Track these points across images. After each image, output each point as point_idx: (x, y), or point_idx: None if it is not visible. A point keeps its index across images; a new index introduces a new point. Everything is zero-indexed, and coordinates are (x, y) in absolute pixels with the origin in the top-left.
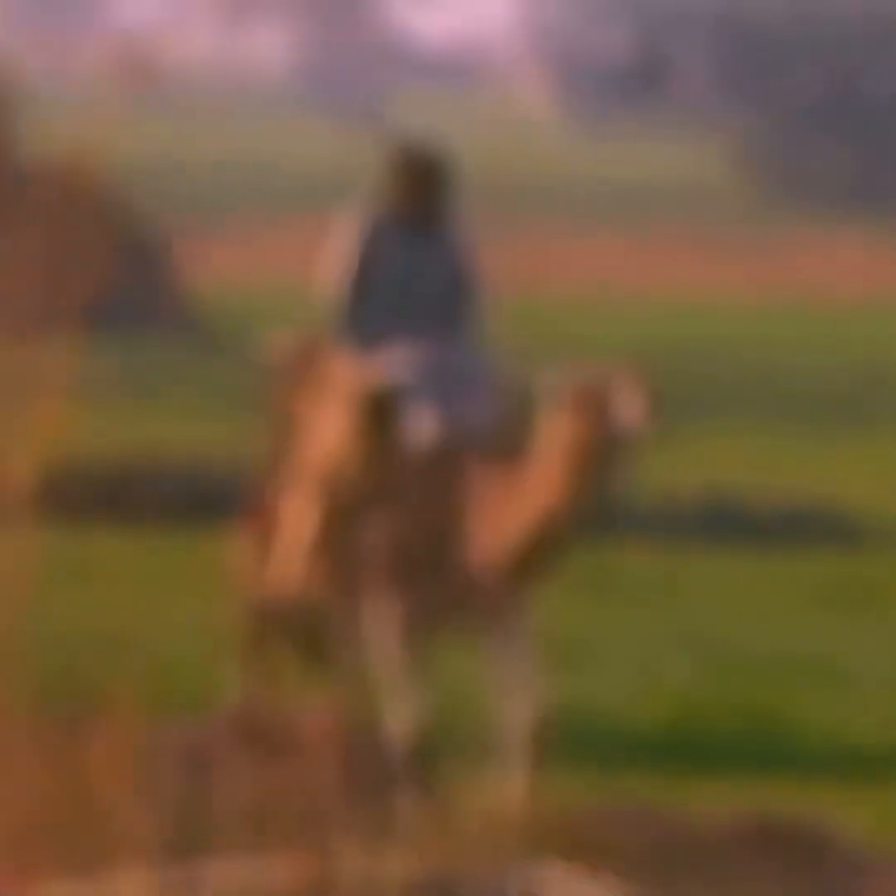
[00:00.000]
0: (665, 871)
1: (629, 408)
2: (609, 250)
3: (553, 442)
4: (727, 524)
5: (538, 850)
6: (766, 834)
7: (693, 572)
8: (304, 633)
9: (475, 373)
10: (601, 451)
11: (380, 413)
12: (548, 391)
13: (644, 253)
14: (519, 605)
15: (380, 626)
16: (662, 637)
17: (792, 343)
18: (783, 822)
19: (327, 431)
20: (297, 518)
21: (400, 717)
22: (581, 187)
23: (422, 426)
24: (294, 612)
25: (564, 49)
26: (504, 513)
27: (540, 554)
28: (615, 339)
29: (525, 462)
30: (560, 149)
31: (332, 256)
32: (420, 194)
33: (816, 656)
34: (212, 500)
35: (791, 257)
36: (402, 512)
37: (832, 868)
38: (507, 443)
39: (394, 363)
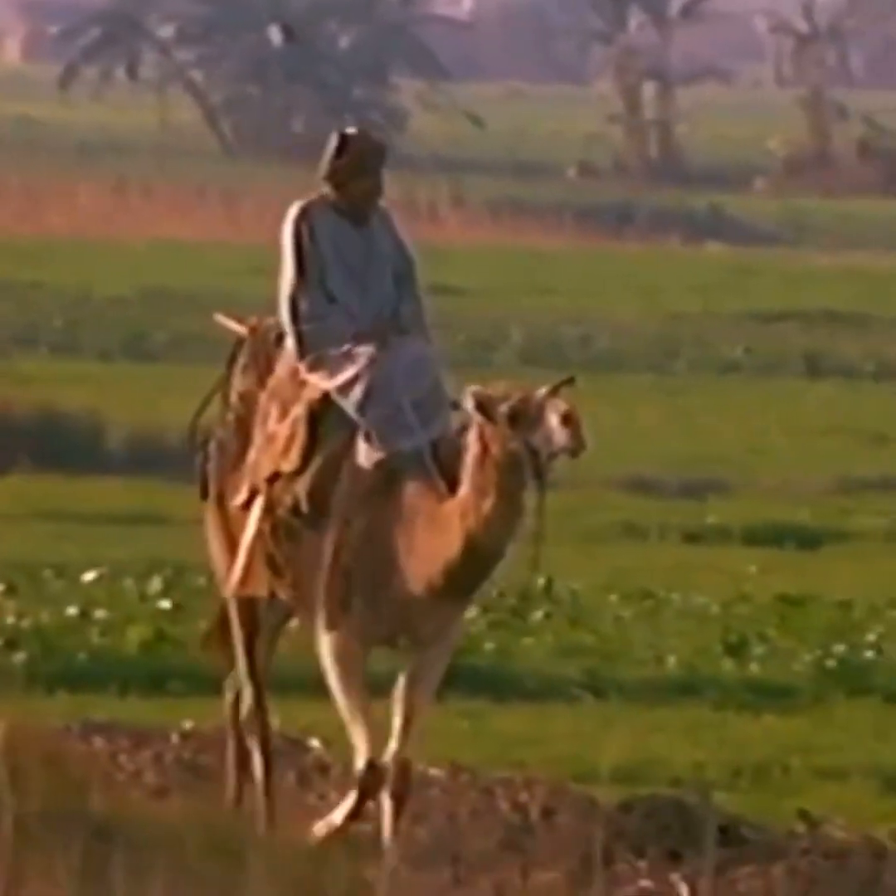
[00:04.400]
0: None
1: (561, 429)
2: (86, 198)
3: (478, 462)
4: None
5: None
6: None
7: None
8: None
9: (431, 374)
10: (527, 472)
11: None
12: (471, 406)
13: (119, 200)
14: (448, 629)
15: (322, 650)
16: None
17: (274, 285)
18: None
19: (276, 441)
20: (250, 522)
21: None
22: (55, 136)
23: (370, 448)
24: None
25: None
26: (434, 538)
27: (469, 580)
28: (95, 285)
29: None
30: (31, 96)
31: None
32: (366, 179)
33: None
34: None
35: (262, 202)
36: (345, 533)
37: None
38: (448, 458)
39: (358, 366)
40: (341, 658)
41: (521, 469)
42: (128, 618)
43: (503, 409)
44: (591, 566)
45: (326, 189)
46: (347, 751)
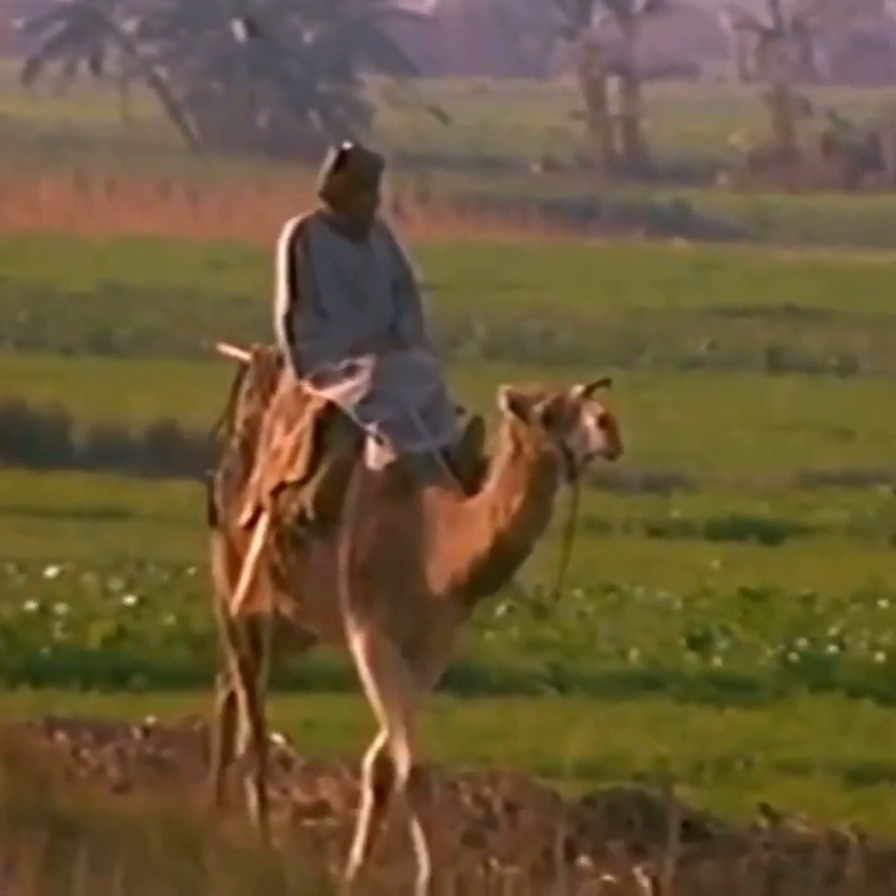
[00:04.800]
0: None
1: (598, 431)
2: (48, 193)
3: (511, 461)
4: (175, 452)
5: None
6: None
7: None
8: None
9: (434, 382)
10: (560, 474)
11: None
12: (505, 405)
13: (82, 195)
14: (451, 633)
15: (357, 655)
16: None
17: (240, 282)
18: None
19: (281, 454)
20: (256, 536)
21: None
22: (17, 130)
23: (381, 450)
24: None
25: None
26: (459, 537)
27: (494, 579)
28: (58, 281)
29: (483, 481)
30: None
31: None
32: (366, 194)
33: None
34: None
35: (228, 198)
36: (360, 535)
37: None
38: (463, 461)
39: (362, 376)
40: (374, 657)
41: (554, 470)
42: (90, 613)
43: (538, 409)
44: (556, 560)
45: (322, 204)
46: (309, 745)
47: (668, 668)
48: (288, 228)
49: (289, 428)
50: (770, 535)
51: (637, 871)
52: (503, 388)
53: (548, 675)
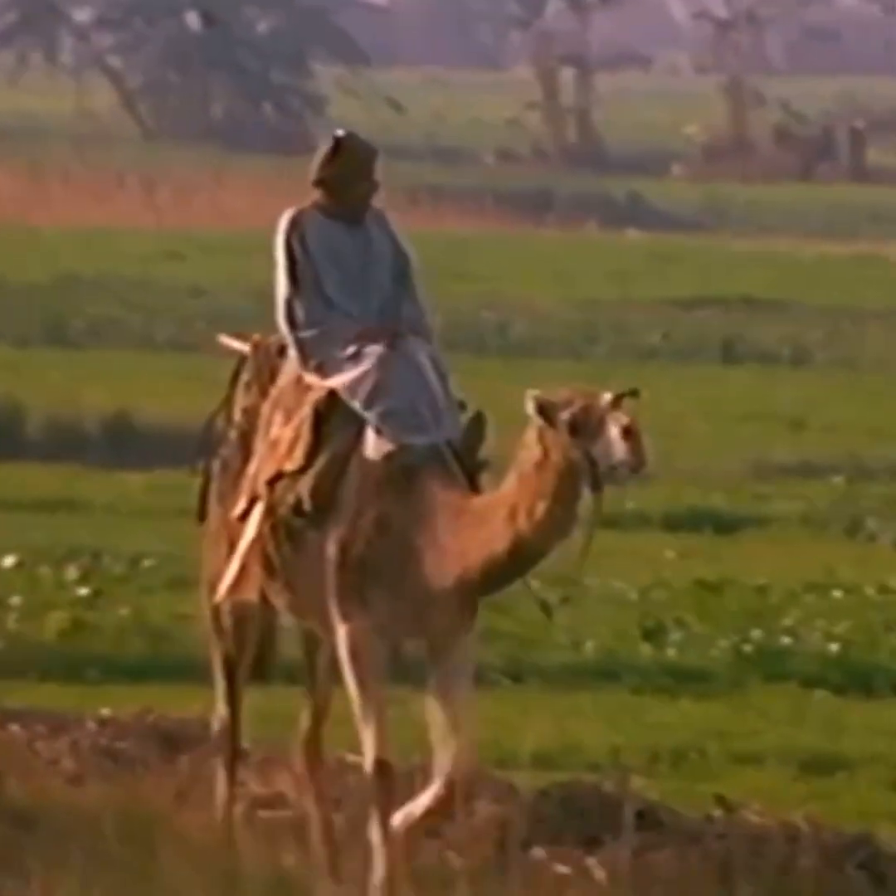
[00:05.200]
0: None
1: (621, 443)
2: (1, 184)
3: (536, 465)
4: (129, 443)
5: None
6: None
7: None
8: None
9: (438, 373)
10: (583, 483)
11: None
12: (533, 411)
13: (36, 186)
14: (468, 626)
15: (339, 645)
16: (63, 549)
17: (195, 272)
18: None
19: (279, 444)
20: (248, 526)
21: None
22: None
23: (380, 440)
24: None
25: None
26: (469, 534)
27: (505, 579)
28: (11, 272)
29: (499, 480)
30: None
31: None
32: (362, 182)
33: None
34: None
35: (182, 189)
36: (357, 526)
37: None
38: (463, 457)
39: (366, 365)
40: (357, 651)
41: (579, 478)
42: (45, 604)
43: (564, 416)
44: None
45: (316, 194)
46: (265, 737)
47: (624, 659)
48: (283, 220)
49: (288, 418)
50: (725, 526)
51: (592, 861)
52: (530, 393)
53: (503, 665)
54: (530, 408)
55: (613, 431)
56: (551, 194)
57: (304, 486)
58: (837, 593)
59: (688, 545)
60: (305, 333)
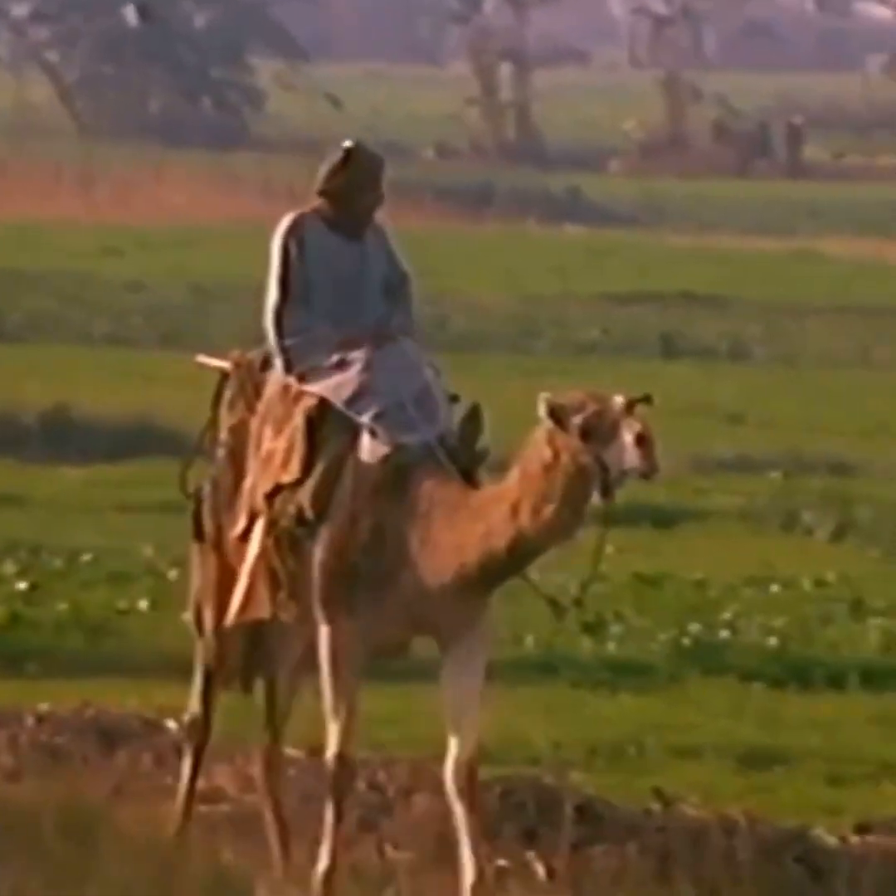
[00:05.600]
0: None
1: (634, 449)
2: None
3: (545, 467)
4: (68, 438)
5: None
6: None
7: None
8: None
9: (425, 370)
10: (593, 487)
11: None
12: (544, 413)
13: None
14: (475, 620)
15: (320, 644)
16: (1, 544)
17: (133, 267)
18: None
19: (273, 457)
20: (252, 544)
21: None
22: None
23: (375, 443)
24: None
25: None
26: (467, 528)
27: (503, 574)
28: None
29: (498, 479)
30: None
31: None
32: (369, 194)
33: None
34: None
35: (120, 184)
36: (352, 533)
37: None
38: (460, 450)
39: (353, 370)
40: (337, 654)
41: (589, 482)
42: None
43: (577, 420)
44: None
45: (319, 202)
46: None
47: (563, 654)
48: (283, 224)
49: (278, 431)
50: (663, 520)
51: (531, 855)
52: (542, 396)
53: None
54: (542, 410)
55: (627, 437)
56: (490, 190)
57: (305, 495)
58: (775, 587)
59: (626, 539)
60: (291, 341)
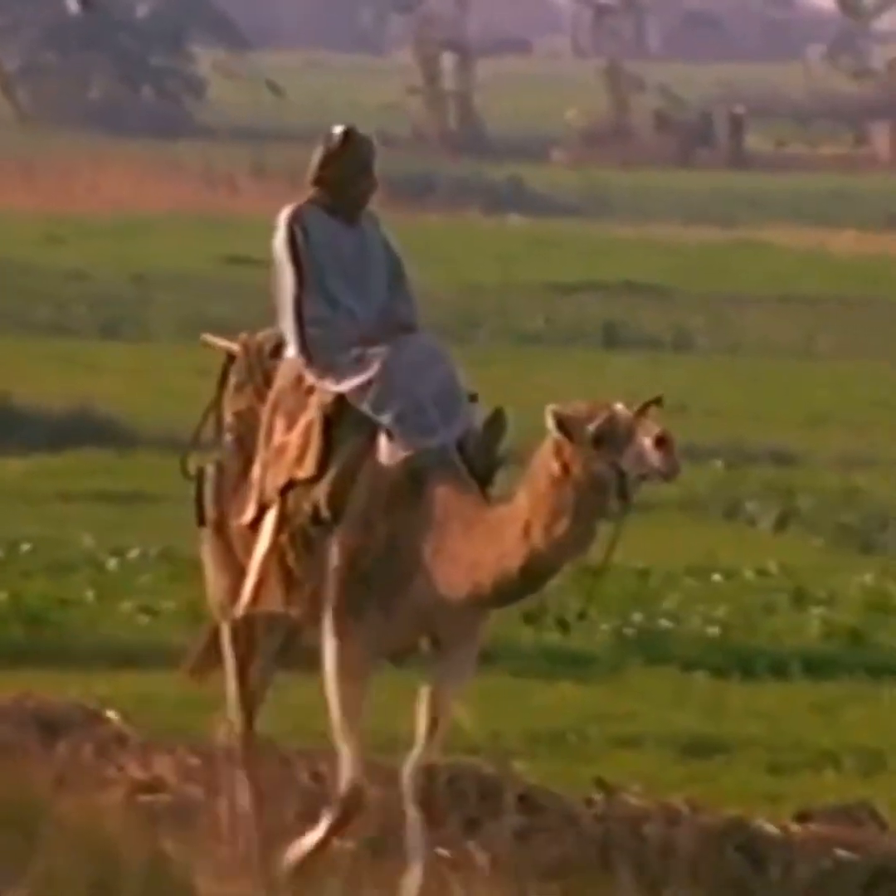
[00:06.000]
0: None
1: (655, 451)
2: None
3: (554, 481)
4: (8, 428)
5: None
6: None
7: None
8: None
9: (444, 365)
10: (610, 495)
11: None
12: (552, 425)
13: None
14: (475, 629)
15: (326, 659)
16: None
17: (75, 256)
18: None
19: (286, 451)
20: (262, 535)
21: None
22: None
23: (393, 446)
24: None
25: None
26: (482, 547)
27: (517, 594)
28: None
29: (513, 490)
30: None
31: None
32: (366, 178)
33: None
34: None
35: (61, 172)
36: (367, 540)
37: None
38: (479, 456)
39: (372, 368)
40: (347, 668)
41: (603, 491)
42: None
43: (590, 428)
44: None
45: (313, 190)
46: (144, 722)
47: (504, 643)
48: (284, 217)
49: (290, 423)
50: None
51: (472, 844)
52: (550, 408)
53: None
54: (550, 423)
55: (646, 441)
56: (433, 179)
57: (321, 493)
58: (717, 576)
59: None
60: (313, 331)
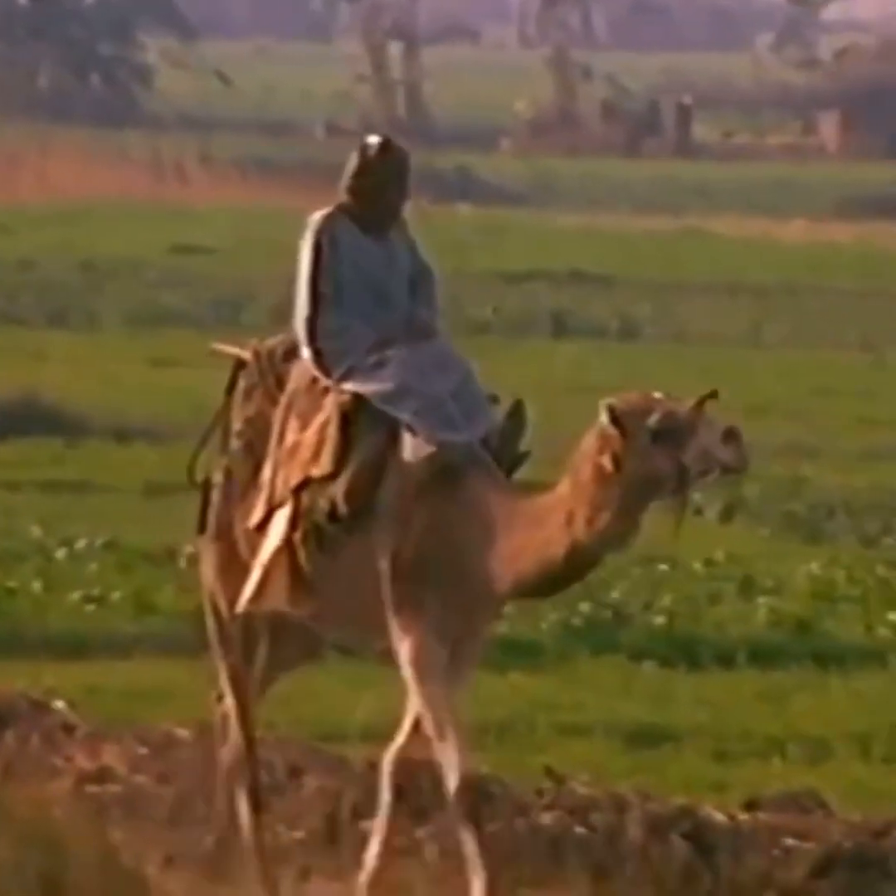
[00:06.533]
0: None
1: (724, 446)
2: None
3: (602, 475)
4: None
5: None
6: None
7: None
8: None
9: (461, 370)
10: (658, 493)
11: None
12: (607, 419)
13: None
14: (489, 626)
15: (403, 660)
16: None
17: (22, 245)
18: None
19: (300, 450)
20: (271, 534)
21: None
22: None
23: (418, 441)
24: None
25: None
26: (524, 536)
27: (561, 583)
28: None
29: (556, 485)
30: None
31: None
32: (401, 190)
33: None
34: None
35: (8, 161)
36: (406, 534)
37: None
38: (503, 452)
39: (391, 367)
40: (424, 662)
41: (656, 488)
42: None
43: (651, 423)
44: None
45: (345, 198)
46: (92, 712)
47: None
48: (315, 222)
49: (304, 423)
50: None
51: (422, 834)
52: (605, 402)
53: (334, 640)
54: (604, 417)
55: (712, 436)
56: None
57: (339, 490)
58: (663, 566)
59: None
60: (325, 344)
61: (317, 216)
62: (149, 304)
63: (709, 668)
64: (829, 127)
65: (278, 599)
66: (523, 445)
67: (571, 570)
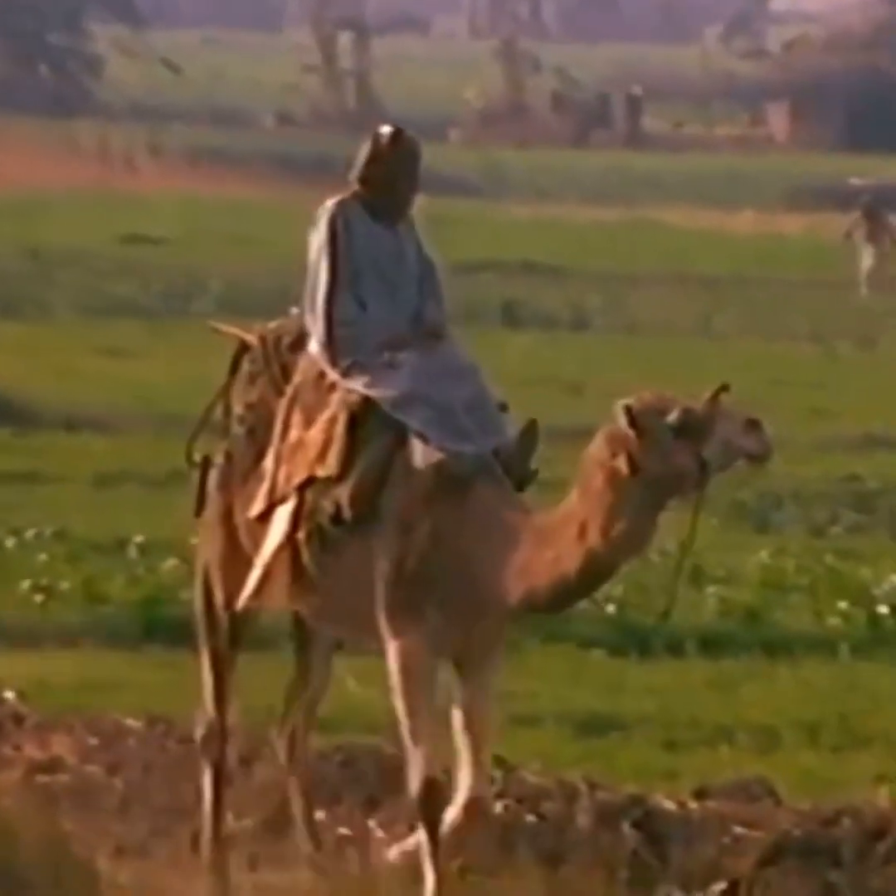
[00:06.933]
0: None
1: (747, 436)
2: None
3: (614, 479)
4: None
5: None
6: None
7: None
8: None
9: (475, 378)
10: (678, 491)
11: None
12: (625, 421)
13: None
14: (496, 641)
15: (390, 661)
16: None
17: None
18: None
19: (305, 447)
20: (273, 531)
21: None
22: None
23: (427, 449)
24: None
25: None
26: (534, 553)
27: (573, 598)
28: None
29: (568, 494)
30: None
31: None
32: (412, 180)
33: None
34: None
35: None
36: (409, 540)
37: None
38: (513, 467)
39: (402, 372)
40: (410, 668)
41: (682, 484)
42: None
43: (671, 420)
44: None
45: (357, 187)
46: (42, 702)
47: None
48: (328, 208)
49: (308, 419)
50: None
51: (372, 823)
52: (622, 403)
53: (285, 629)
54: (622, 419)
55: (734, 427)
56: (331, 159)
57: (344, 493)
58: None
59: None
60: (340, 331)
61: (329, 203)
62: (99, 294)
63: (658, 657)
64: (778, 118)
65: (279, 598)
66: (533, 463)
67: (586, 583)
